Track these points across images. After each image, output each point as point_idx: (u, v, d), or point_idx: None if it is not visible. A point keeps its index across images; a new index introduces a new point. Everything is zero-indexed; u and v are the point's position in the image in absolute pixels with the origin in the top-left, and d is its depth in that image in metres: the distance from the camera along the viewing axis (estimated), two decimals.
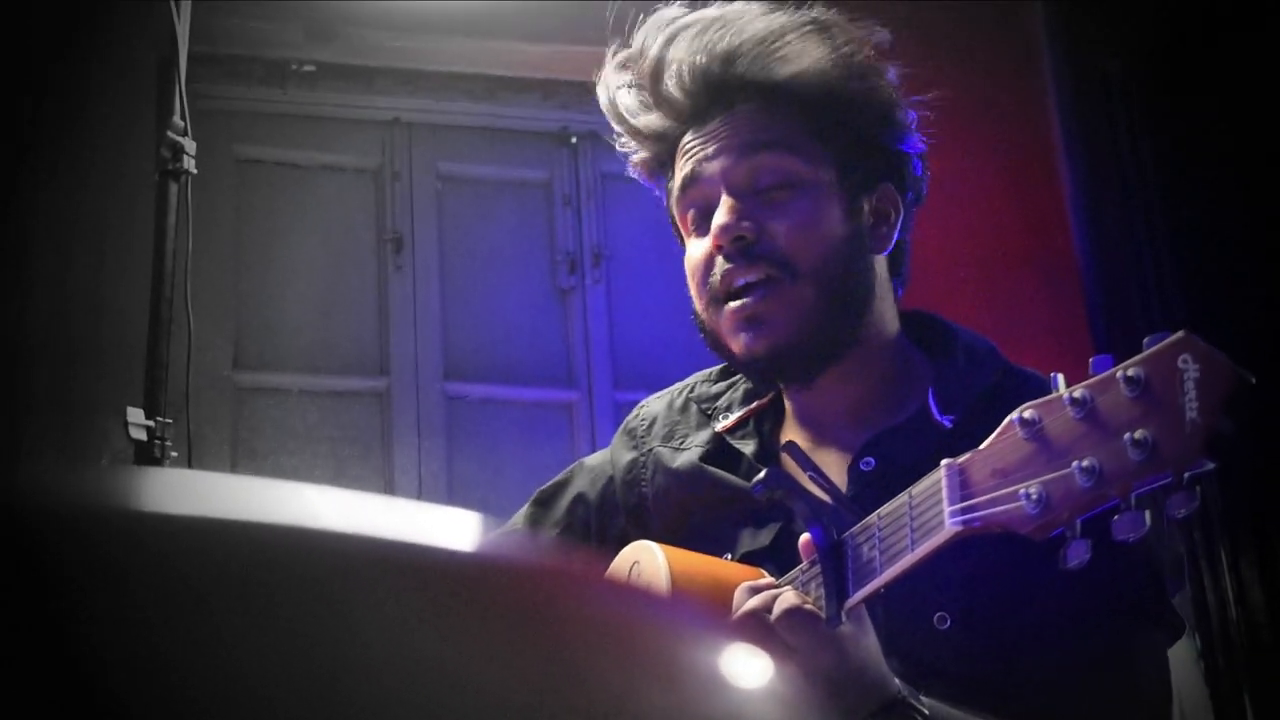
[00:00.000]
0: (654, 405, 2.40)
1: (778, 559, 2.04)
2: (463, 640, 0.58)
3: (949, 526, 1.63)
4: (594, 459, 2.45)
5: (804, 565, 1.83)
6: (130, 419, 2.29)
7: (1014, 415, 1.59)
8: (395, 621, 0.57)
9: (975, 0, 4.64)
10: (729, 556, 2.14)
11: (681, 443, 2.30)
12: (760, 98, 2.16)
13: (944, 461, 1.66)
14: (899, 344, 2.21)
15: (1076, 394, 1.53)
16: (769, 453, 2.21)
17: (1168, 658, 2.09)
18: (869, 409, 2.18)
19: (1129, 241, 4.38)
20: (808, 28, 2.18)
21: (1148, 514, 1.50)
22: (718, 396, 2.32)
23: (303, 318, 4.52)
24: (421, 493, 4.33)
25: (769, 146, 2.14)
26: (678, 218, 2.23)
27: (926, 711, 1.79)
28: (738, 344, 2.12)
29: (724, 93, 2.17)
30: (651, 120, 2.25)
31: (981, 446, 1.63)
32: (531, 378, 4.63)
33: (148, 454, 2.31)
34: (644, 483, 2.31)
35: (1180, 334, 1.49)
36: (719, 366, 2.38)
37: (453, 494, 4.36)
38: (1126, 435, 1.47)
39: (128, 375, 2.51)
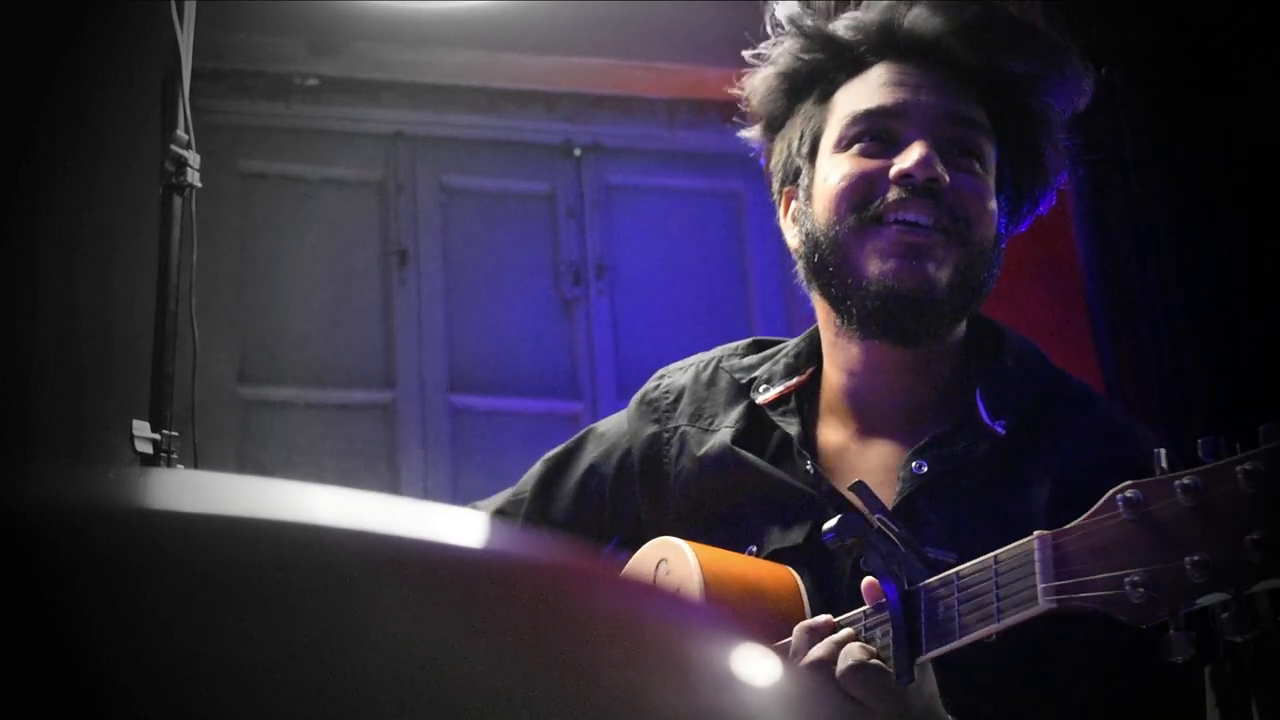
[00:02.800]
0: (677, 377, 2.34)
1: (808, 559, 2.02)
2: (475, 637, 0.59)
3: (1043, 603, 1.59)
4: (607, 425, 2.40)
5: (868, 609, 1.79)
6: (136, 432, 2.29)
7: (1115, 493, 1.55)
8: (407, 618, 0.58)
9: None
10: (753, 550, 2.10)
11: (711, 423, 2.24)
12: (969, 80, 2.16)
13: (1036, 533, 1.62)
14: (959, 350, 2.19)
15: (1186, 481, 1.49)
16: (809, 437, 2.17)
17: (1204, 676, 2.06)
18: (920, 406, 2.14)
19: (1132, 248, 4.38)
20: (1033, 33, 2.21)
21: (1259, 611, 1.46)
22: (754, 368, 2.27)
23: (308, 331, 4.52)
24: None
25: (972, 123, 2.14)
26: (835, 133, 2.17)
27: None
28: (882, 266, 2.06)
29: (943, 50, 2.16)
30: (851, 30, 2.20)
31: (1078, 521, 1.59)
32: (536, 389, 4.64)
33: (153, 467, 2.31)
34: (666, 461, 2.25)
35: None
36: (745, 341, 2.34)
37: (458, 505, 4.36)
38: (1246, 538, 1.43)
39: (134, 389, 2.51)
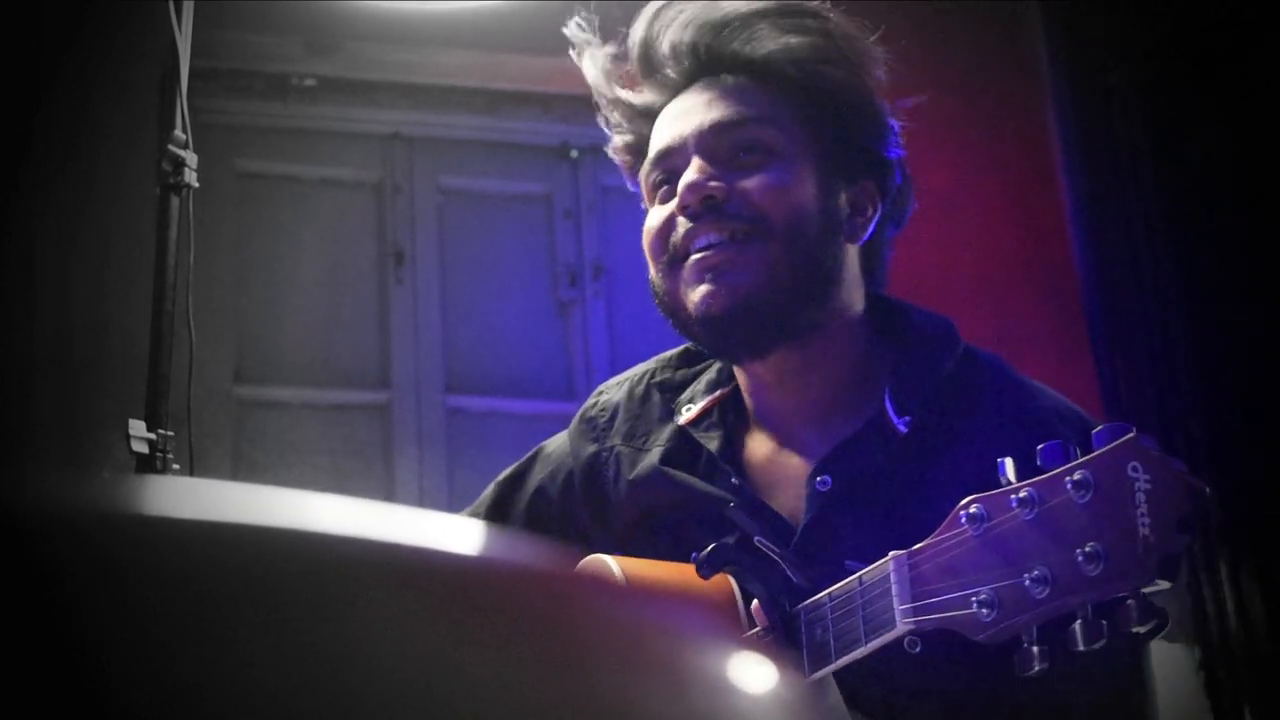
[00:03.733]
0: (613, 393, 2.33)
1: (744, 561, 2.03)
2: (469, 645, 0.59)
3: (900, 625, 1.62)
4: (553, 444, 2.39)
5: (759, 631, 1.82)
6: (132, 431, 2.29)
7: (960, 509, 1.56)
8: (400, 626, 0.58)
9: (975, 14, 4.65)
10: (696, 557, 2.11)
11: (644, 442, 2.22)
12: (745, 72, 2.14)
13: (891, 554, 1.64)
14: (862, 334, 2.15)
15: (1023, 494, 1.50)
16: (733, 448, 2.16)
17: (1146, 662, 2.06)
18: (829, 409, 2.12)
19: (1129, 254, 4.38)
20: (798, 12, 2.16)
21: (1105, 625, 1.46)
22: (682, 386, 2.26)
23: (304, 331, 4.52)
24: (423, 505, 4.32)
25: (747, 118, 2.11)
26: (645, 187, 2.19)
27: None
28: (694, 299, 2.06)
29: (709, 65, 2.16)
30: (639, 94, 2.23)
31: (931, 539, 1.61)
32: (532, 390, 4.64)
33: (149, 467, 2.31)
34: (605, 481, 2.24)
35: (1129, 437, 1.46)
36: (679, 349, 2.32)
37: (454, 506, 4.35)
38: (1078, 550, 1.44)
39: (130, 390, 2.51)
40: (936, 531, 1.60)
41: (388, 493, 4.39)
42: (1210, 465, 3.99)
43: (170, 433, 2.36)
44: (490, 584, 0.62)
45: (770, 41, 2.13)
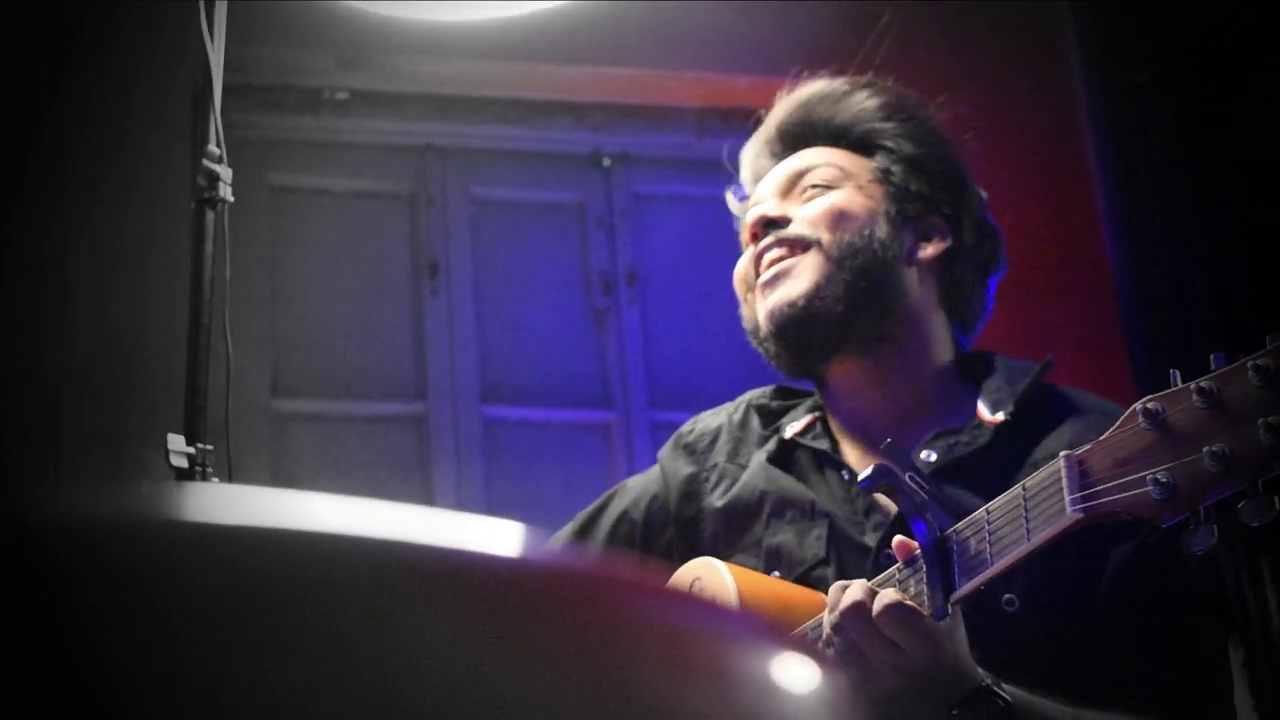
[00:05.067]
0: (709, 420, 2.51)
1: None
2: (509, 648, 0.59)
3: (1070, 513, 1.65)
4: (635, 480, 2.53)
5: (899, 565, 1.87)
6: (171, 446, 2.30)
7: (1136, 406, 1.62)
8: (441, 630, 0.58)
9: (1005, 14, 4.64)
10: (777, 574, 2.19)
11: (747, 459, 2.39)
12: (827, 139, 2.45)
13: (1062, 454, 1.69)
14: (949, 371, 2.35)
15: (1204, 384, 1.55)
16: (839, 453, 2.31)
17: (1227, 646, 2.12)
18: (915, 414, 2.29)
19: (1164, 256, 4.36)
20: (869, 86, 2.50)
21: (1277, 500, 1.51)
22: (779, 413, 2.45)
23: (340, 344, 4.53)
24: None
25: (815, 165, 2.41)
26: (742, 242, 2.46)
27: (1009, 698, 1.81)
28: (763, 312, 2.31)
29: (804, 133, 2.47)
30: (757, 163, 2.54)
31: (1101, 438, 1.66)
32: (568, 399, 4.64)
33: (188, 481, 2.32)
34: (704, 496, 2.39)
35: None
36: (773, 387, 2.52)
37: (492, 516, 4.35)
38: (1260, 420, 1.49)
39: (168, 405, 2.52)
40: (1108, 431, 1.65)
41: (426, 503, 4.39)
42: None
43: (209, 447, 2.37)
44: (529, 587, 0.62)
45: (845, 110, 2.45)
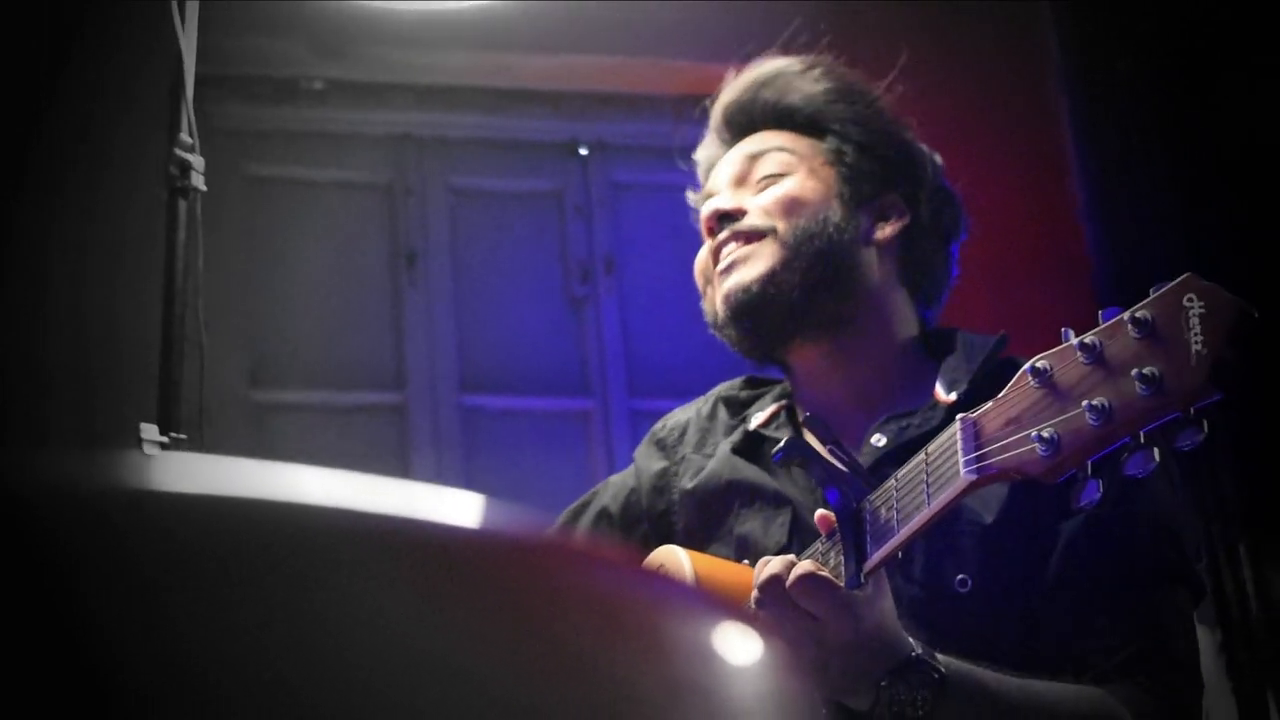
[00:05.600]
0: (680, 415, 2.54)
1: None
2: (447, 614, 0.60)
3: (964, 476, 1.66)
4: (616, 477, 2.56)
5: (821, 539, 1.88)
6: (144, 435, 2.30)
7: (1026, 366, 1.63)
8: (378, 594, 0.59)
9: (983, 4, 4.64)
10: (746, 563, 2.18)
11: (714, 450, 2.40)
12: (775, 124, 2.45)
13: (959, 416, 1.70)
14: (912, 350, 2.36)
15: (1087, 340, 1.57)
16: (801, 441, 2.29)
17: (1193, 617, 2.12)
18: (877, 398, 2.30)
19: (1141, 241, 4.37)
20: (814, 66, 2.50)
21: (1156, 451, 1.52)
22: (747, 403, 2.46)
23: (318, 334, 4.53)
24: None
25: (766, 150, 2.41)
26: (703, 230, 2.46)
27: (943, 669, 1.81)
28: (722, 294, 2.32)
29: (752, 118, 2.47)
30: (707, 149, 2.57)
31: (995, 399, 1.67)
32: (547, 387, 4.64)
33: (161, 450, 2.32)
34: (674, 489, 2.41)
35: (1185, 276, 1.53)
36: (742, 378, 2.54)
37: None
38: (1134, 372, 1.51)
39: (143, 396, 2.51)
40: (1001, 392, 1.66)
41: None
42: (1227, 448, 3.98)
43: (183, 436, 2.36)
44: (466, 553, 0.63)
45: (793, 93, 2.45)
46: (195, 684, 0.55)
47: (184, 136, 2.46)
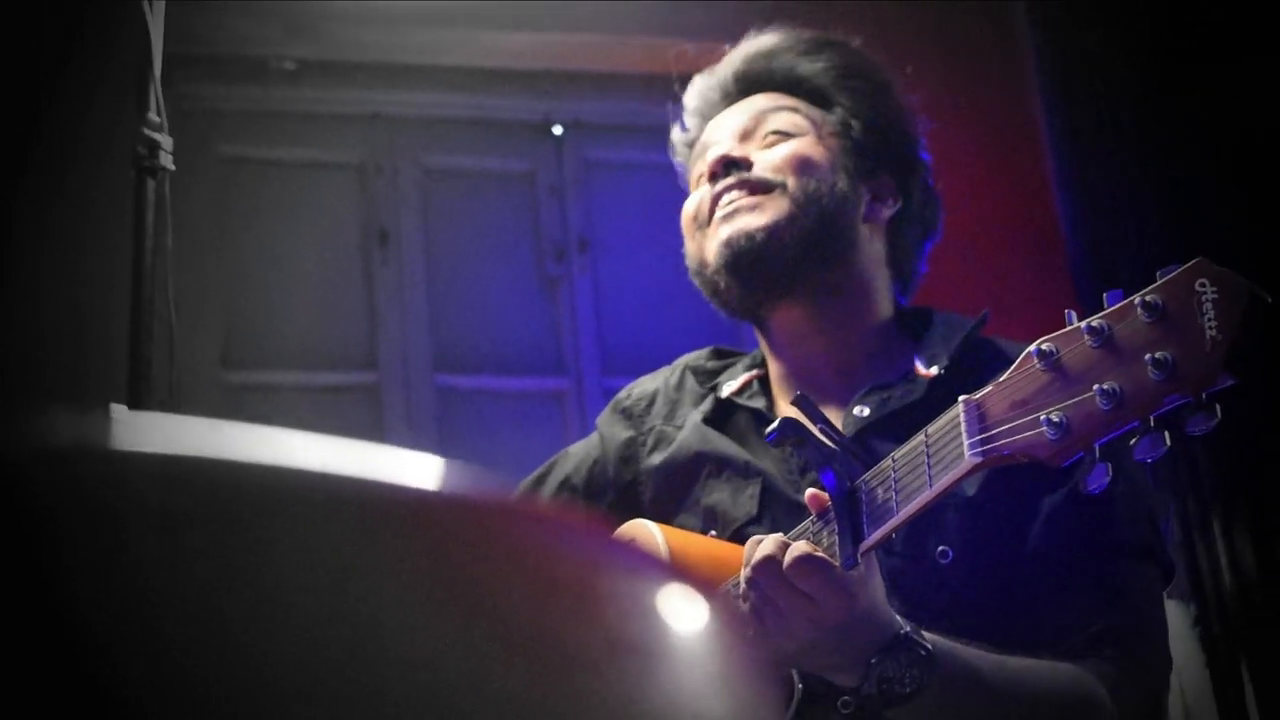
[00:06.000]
0: (647, 384, 2.52)
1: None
2: (379, 571, 0.61)
3: (969, 459, 1.65)
4: (576, 446, 2.54)
5: (812, 518, 1.86)
6: (114, 415, 2.28)
7: (1030, 348, 1.62)
8: (310, 551, 0.59)
9: None
10: (713, 534, 2.20)
11: (683, 420, 2.39)
12: (785, 88, 2.45)
13: (961, 399, 1.69)
14: (889, 327, 2.37)
15: (1095, 323, 1.57)
16: (774, 412, 2.32)
17: (1162, 595, 2.13)
18: (855, 369, 2.30)
19: (1113, 213, 4.38)
20: (829, 42, 2.51)
21: (1167, 435, 1.52)
22: (716, 372, 2.45)
23: (291, 314, 4.51)
24: None
25: (777, 107, 2.42)
26: (691, 179, 2.46)
27: (930, 646, 1.82)
28: (715, 246, 2.30)
29: (762, 79, 2.47)
30: (708, 103, 2.53)
31: (998, 381, 1.66)
32: (521, 367, 4.64)
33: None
34: (641, 459, 2.40)
35: (1196, 260, 1.53)
36: (708, 349, 2.52)
37: None
38: (1147, 356, 1.50)
39: (112, 378, 2.50)
40: (1005, 374, 1.65)
41: None
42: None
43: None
44: (397, 510, 0.63)
45: (805, 63, 2.46)
46: (156, 634, 0.56)
47: (152, 116, 2.44)
